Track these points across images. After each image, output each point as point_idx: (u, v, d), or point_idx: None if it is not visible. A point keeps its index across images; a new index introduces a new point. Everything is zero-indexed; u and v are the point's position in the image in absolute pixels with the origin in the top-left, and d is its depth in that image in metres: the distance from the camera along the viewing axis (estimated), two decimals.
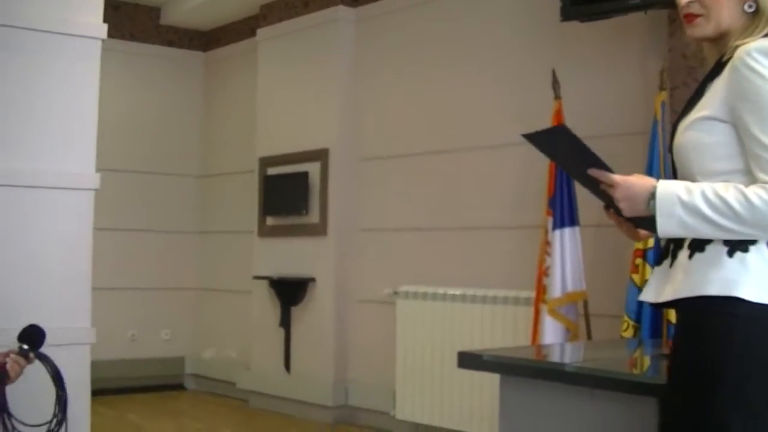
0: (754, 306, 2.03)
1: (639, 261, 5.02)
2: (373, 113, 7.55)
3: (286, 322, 7.88)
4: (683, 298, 2.16)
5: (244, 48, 8.94)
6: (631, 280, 5.06)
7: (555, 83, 5.59)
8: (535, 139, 2.39)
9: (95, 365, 4.64)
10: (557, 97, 5.56)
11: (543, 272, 5.47)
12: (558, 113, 5.53)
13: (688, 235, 2.15)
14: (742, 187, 2.06)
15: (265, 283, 8.07)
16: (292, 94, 8.09)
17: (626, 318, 5.05)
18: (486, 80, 6.61)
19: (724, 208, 2.05)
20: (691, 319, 2.16)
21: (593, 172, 2.26)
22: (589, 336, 5.41)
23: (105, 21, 4.67)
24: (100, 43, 4.60)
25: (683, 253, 2.19)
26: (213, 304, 9.13)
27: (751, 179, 2.10)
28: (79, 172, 4.54)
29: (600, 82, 5.92)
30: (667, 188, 2.14)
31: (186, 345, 9.17)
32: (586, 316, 5.42)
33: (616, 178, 2.23)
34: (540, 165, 5.50)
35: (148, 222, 8.97)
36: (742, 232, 2.06)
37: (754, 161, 2.08)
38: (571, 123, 5.45)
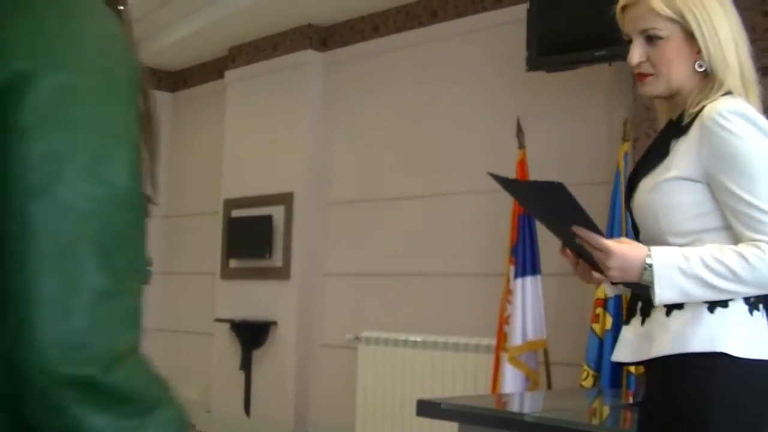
0: (736, 361, 2.06)
1: (600, 310, 5.04)
2: (338, 158, 7.57)
3: (247, 365, 7.83)
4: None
5: (212, 89, 8.94)
6: (592, 329, 5.08)
7: (519, 132, 5.63)
8: (517, 186, 2.36)
9: None
10: (521, 146, 5.60)
11: (504, 320, 5.48)
12: (522, 162, 5.57)
13: (687, 300, 2.13)
14: (735, 248, 2.08)
15: (226, 326, 8.02)
16: (259, 137, 8.10)
17: (586, 367, 5.06)
18: (452, 128, 6.65)
19: (726, 271, 2.06)
20: (668, 375, 2.18)
21: (581, 231, 2.19)
22: (549, 384, 5.42)
23: None
24: None
25: (659, 311, 2.20)
26: (174, 345, 9.05)
27: (723, 237, 2.13)
28: None
29: (565, 132, 5.97)
30: (663, 258, 2.12)
31: None
32: (547, 364, 5.43)
33: (611, 246, 2.17)
34: (504, 213, 5.54)
35: None
36: (742, 292, 2.09)
37: (740, 220, 2.10)
38: (536, 172, 5.51)
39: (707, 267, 2.07)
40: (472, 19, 6.62)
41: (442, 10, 6.86)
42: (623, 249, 2.17)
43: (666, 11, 2.25)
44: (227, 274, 8.26)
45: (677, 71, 2.26)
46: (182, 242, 9.17)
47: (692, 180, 2.17)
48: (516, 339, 5.35)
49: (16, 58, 1.07)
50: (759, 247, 2.05)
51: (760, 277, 2.05)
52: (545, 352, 5.43)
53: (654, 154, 2.28)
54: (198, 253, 8.88)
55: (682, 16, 2.23)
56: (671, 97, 2.30)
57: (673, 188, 2.19)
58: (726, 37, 2.23)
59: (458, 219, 6.48)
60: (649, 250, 2.14)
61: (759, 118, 2.13)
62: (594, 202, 5.46)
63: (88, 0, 1.20)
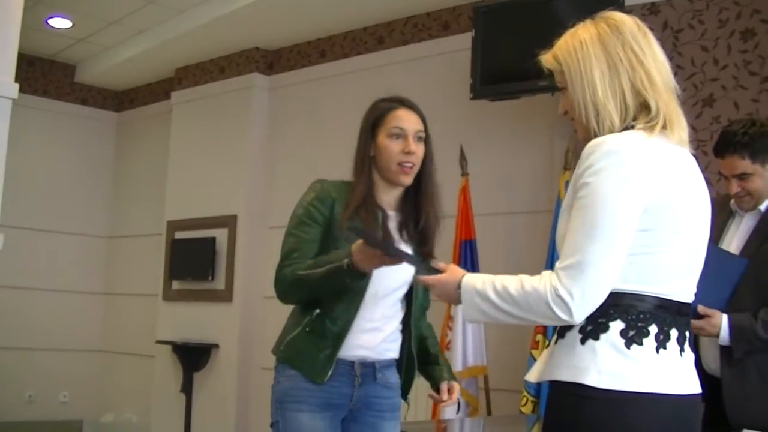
0: (600, 391, 2.10)
1: (539, 337, 5.11)
2: (282, 182, 7.57)
3: (187, 388, 7.78)
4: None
5: (158, 110, 8.92)
6: (531, 355, 5.13)
7: (462, 160, 5.67)
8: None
9: None
10: (464, 173, 5.65)
11: (445, 346, 5.50)
12: (464, 190, 5.61)
13: (489, 321, 2.25)
14: (526, 277, 2.15)
15: (168, 348, 7.98)
16: (204, 159, 8.09)
17: (525, 393, 5.12)
18: None
19: (506, 295, 2.15)
20: (551, 397, 2.25)
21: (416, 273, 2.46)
22: (488, 410, 5.46)
23: (18, 76, 4.61)
24: (10, 102, 4.53)
25: (554, 338, 2.28)
26: (114, 366, 8.99)
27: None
28: None
29: (507, 160, 6.03)
30: (469, 282, 2.25)
31: (85, 408, 8.97)
32: (486, 390, 5.47)
33: (429, 280, 2.38)
34: (446, 240, 5.55)
35: (51, 281, 8.82)
36: (524, 318, 2.15)
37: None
38: (478, 200, 5.56)
39: (495, 291, 2.18)
40: (418, 46, 6.68)
41: (389, 37, 6.91)
42: (441, 279, 2.35)
43: (552, 63, 2.33)
44: (169, 296, 8.22)
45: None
46: (125, 263, 9.11)
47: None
48: (456, 365, 5.38)
49: None
50: (541, 275, 2.13)
51: (534, 304, 2.11)
52: (485, 378, 5.47)
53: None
54: (141, 274, 8.83)
55: (561, 65, 2.31)
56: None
57: (564, 217, 2.24)
58: (594, 79, 2.25)
59: None
60: (463, 275, 2.29)
61: (629, 156, 2.13)
62: (536, 229, 5.54)
63: None
